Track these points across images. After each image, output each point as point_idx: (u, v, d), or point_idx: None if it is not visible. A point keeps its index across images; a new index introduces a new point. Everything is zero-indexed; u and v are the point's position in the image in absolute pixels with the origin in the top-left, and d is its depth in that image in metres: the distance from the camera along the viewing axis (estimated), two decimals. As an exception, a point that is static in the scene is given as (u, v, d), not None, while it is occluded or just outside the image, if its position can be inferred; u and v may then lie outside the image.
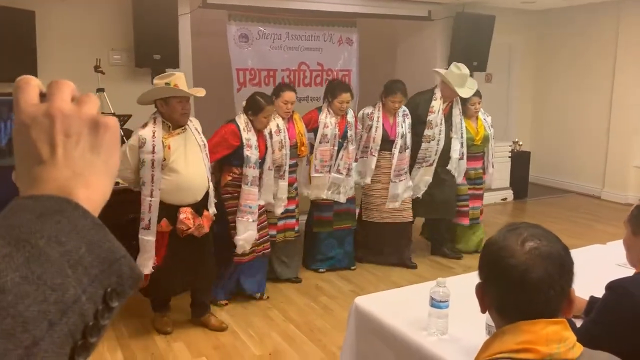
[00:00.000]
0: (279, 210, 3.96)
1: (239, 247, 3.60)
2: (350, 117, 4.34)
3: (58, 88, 0.49)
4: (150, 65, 5.13)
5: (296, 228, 4.19)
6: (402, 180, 4.45)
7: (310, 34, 6.49)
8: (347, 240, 4.49)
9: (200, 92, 3.28)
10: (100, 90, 4.63)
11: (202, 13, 5.82)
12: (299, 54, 6.43)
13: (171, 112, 3.15)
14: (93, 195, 0.46)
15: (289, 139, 3.98)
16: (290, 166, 4.05)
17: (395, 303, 2.11)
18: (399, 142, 4.39)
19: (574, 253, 2.89)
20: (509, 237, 1.12)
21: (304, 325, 3.57)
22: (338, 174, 4.28)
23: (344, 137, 4.28)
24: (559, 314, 1.11)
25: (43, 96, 0.49)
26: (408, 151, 4.46)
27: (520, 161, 7.12)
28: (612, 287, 1.54)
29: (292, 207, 4.13)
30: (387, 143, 4.40)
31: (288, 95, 3.97)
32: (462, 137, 4.64)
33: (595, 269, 2.28)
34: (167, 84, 3.13)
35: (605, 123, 7.15)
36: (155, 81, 3.24)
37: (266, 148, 3.74)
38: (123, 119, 4.25)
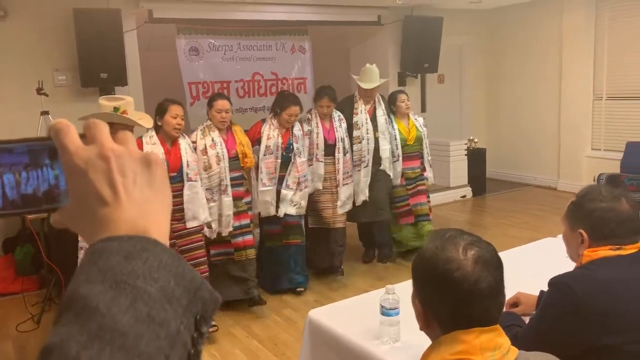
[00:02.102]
0: (226, 231, 3.77)
1: None
2: (297, 130, 4.25)
3: (99, 129, 0.50)
4: (97, 84, 5.02)
5: (254, 245, 4.04)
6: (349, 183, 4.51)
7: (262, 43, 6.47)
8: (298, 259, 4.29)
9: (147, 123, 3.17)
10: (44, 113, 4.49)
11: (151, 28, 5.72)
12: (252, 64, 6.40)
13: (114, 139, 3.06)
14: (162, 229, 0.48)
15: (228, 150, 3.82)
16: (236, 179, 3.88)
17: (348, 313, 2.09)
18: (340, 145, 4.43)
19: (526, 248, 2.91)
20: (448, 247, 1.09)
21: (267, 340, 3.52)
22: (287, 190, 4.17)
23: (287, 149, 4.18)
24: (500, 317, 1.10)
25: (82, 137, 0.49)
26: (349, 154, 4.51)
27: (476, 158, 7.24)
28: (553, 283, 1.56)
29: (246, 221, 3.97)
30: (327, 148, 4.41)
31: (221, 103, 3.81)
32: (395, 138, 4.70)
33: (546, 263, 2.31)
34: (115, 108, 3.01)
35: (556, 116, 7.34)
36: (101, 101, 3.11)
37: (181, 159, 3.50)
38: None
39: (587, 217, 1.61)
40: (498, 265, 1.08)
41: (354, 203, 4.58)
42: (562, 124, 7.28)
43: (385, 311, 1.83)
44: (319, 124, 4.41)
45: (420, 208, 4.85)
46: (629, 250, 1.55)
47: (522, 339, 1.61)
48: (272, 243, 4.27)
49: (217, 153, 3.75)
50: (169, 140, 3.54)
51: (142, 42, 5.62)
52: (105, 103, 3.06)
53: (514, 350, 1.06)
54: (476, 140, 7.39)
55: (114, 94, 5.20)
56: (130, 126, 3.10)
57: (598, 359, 1.46)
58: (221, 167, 3.74)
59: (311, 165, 4.37)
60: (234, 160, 3.88)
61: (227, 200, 3.76)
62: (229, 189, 3.79)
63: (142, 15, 5.47)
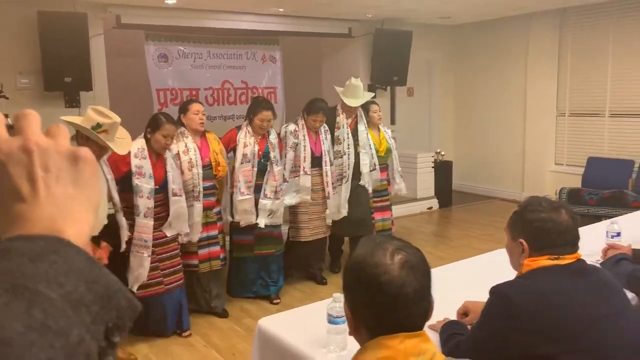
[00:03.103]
0: (196, 237, 3.73)
1: (130, 284, 3.39)
2: (272, 137, 4.20)
3: (27, 120, 0.47)
4: (61, 88, 4.95)
5: (221, 256, 3.95)
6: (336, 194, 4.52)
7: (233, 52, 6.47)
8: (271, 267, 4.25)
9: (123, 150, 3.06)
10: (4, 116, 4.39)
11: (119, 34, 5.67)
12: (221, 72, 6.39)
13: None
14: (81, 230, 0.45)
15: (202, 158, 3.79)
16: (207, 188, 3.83)
17: (297, 322, 2.08)
18: (326, 158, 4.43)
19: (480, 258, 2.94)
20: (377, 253, 1.10)
21: (225, 350, 3.48)
22: (266, 199, 4.12)
23: (264, 157, 4.12)
24: (426, 321, 1.11)
25: (10, 128, 0.47)
26: (333, 167, 4.51)
27: (443, 171, 7.34)
28: (493, 292, 1.58)
29: (214, 232, 3.91)
30: (313, 160, 4.39)
31: (197, 105, 3.83)
32: (371, 148, 4.71)
33: (499, 272, 2.35)
34: (99, 124, 2.87)
35: (521, 131, 7.50)
36: (90, 111, 2.94)
37: (166, 174, 3.51)
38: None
39: (527, 227, 1.64)
40: (425, 272, 1.09)
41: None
42: (527, 139, 7.44)
43: (332, 319, 1.83)
44: (306, 137, 4.36)
45: (382, 224, 4.88)
46: (567, 260, 1.59)
47: (463, 348, 1.63)
48: (242, 254, 4.19)
49: (190, 159, 3.71)
50: (155, 153, 3.50)
51: (110, 48, 5.56)
52: (93, 116, 2.91)
53: (440, 356, 1.07)
54: (443, 152, 7.49)
55: (79, 99, 5.15)
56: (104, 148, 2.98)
57: (535, 367, 1.49)
58: (194, 174, 3.70)
59: (297, 177, 4.31)
60: (207, 169, 3.83)
61: (199, 206, 3.73)
62: (201, 196, 3.74)
63: (109, 21, 5.42)
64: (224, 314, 3.98)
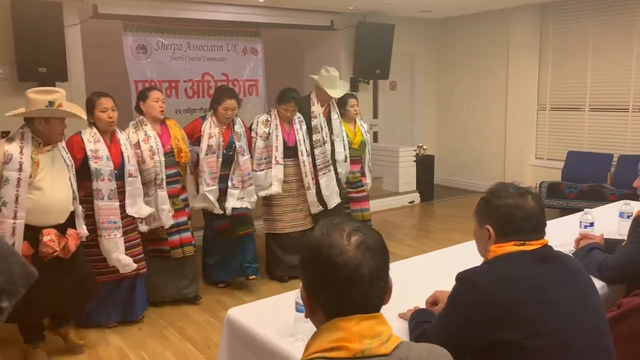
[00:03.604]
0: (168, 222, 3.71)
1: (123, 268, 3.41)
2: (238, 127, 4.17)
3: None
4: (35, 78, 4.83)
5: (193, 242, 3.96)
6: (314, 185, 4.47)
7: (213, 44, 6.39)
8: (248, 247, 4.24)
9: (82, 114, 3.11)
10: (-25, 105, 4.30)
11: (96, 24, 5.57)
12: (201, 64, 6.31)
13: (50, 132, 2.96)
14: None
15: (163, 145, 3.74)
16: (171, 176, 3.79)
17: (266, 312, 2.05)
18: (302, 148, 4.39)
19: (456, 247, 2.93)
20: (333, 233, 1.08)
21: (200, 342, 3.43)
22: (233, 189, 4.11)
23: (228, 147, 4.10)
24: (383, 304, 1.09)
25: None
26: (310, 157, 4.46)
27: (425, 165, 7.35)
28: (458, 278, 1.57)
29: (183, 219, 3.89)
30: (287, 150, 4.36)
31: (157, 93, 3.80)
32: (343, 140, 4.70)
33: (474, 262, 2.34)
34: (51, 102, 2.88)
35: (502, 125, 7.53)
36: (31, 95, 2.94)
37: (122, 156, 3.48)
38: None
39: (493, 213, 1.63)
40: (382, 253, 1.07)
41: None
42: (508, 133, 7.47)
43: (299, 308, 1.80)
44: (279, 127, 4.32)
45: (362, 214, 4.87)
46: (532, 246, 1.57)
47: (430, 335, 1.61)
48: (226, 236, 4.20)
49: (152, 147, 3.67)
50: (107, 136, 3.47)
51: (87, 38, 5.46)
52: (37, 97, 2.91)
53: (395, 339, 1.05)
54: (425, 147, 7.50)
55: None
56: (63, 119, 3.00)
57: (501, 353, 1.47)
58: (156, 162, 3.66)
59: (270, 168, 4.27)
60: (169, 156, 3.80)
61: (162, 194, 3.70)
62: (164, 184, 3.72)
63: (86, 10, 5.33)
64: (195, 300, 3.99)
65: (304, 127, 4.47)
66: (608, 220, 2.96)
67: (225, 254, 4.28)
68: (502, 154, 7.56)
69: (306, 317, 1.12)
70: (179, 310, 3.90)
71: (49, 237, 2.91)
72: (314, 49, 7.45)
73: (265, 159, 4.31)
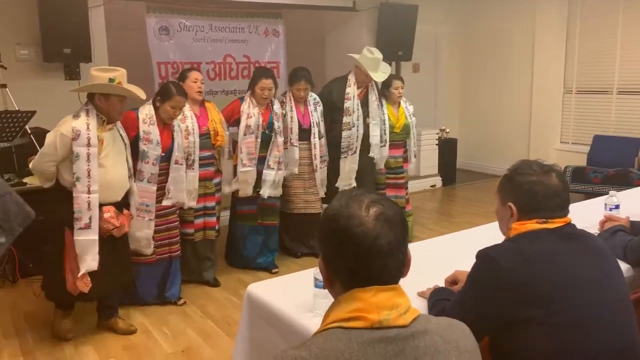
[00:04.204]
0: (191, 203, 3.72)
1: (139, 248, 3.43)
2: (276, 107, 4.17)
3: None
4: (60, 59, 4.90)
5: (216, 227, 3.97)
6: (324, 167, 4.46)
7: (235, 25, 6.38)
8: (271, 239, 4.28)
9: (141, 94, 3.15)
10: (2, 86, 4.39)
11: (120, 5, 5.61)
12: (223, 46, 6.31)
13: (109, 109, 3.01)
14: None
15: (200, 126, 3.75)
16: (205, 158, 3.80)
17: (285, 288, 2.07)
18: (315, 130, 4.34)
19: (479, 229, 2.89)
20: (352, 205, 1.07)
21: (221, 320, 3.48)
22: (269, 170, 4.10)
23: (268, 128, 4.09)
24: (401, 276, 1.09)
25: None
26: (324, 139, 4.42)
27: (447, 148, 7.27)
28: (478, 255, 1.55)
29: (211, 204, 3.90)
30: (301, 133, 4.31)
31: (195, 74, 3.80)
32: (384, 123, 4.57)
33: (496, 242, 2.32)
34: (111, 79, 2.97)
35: (527, 108, 7.40)
36: (94, 72, 3.02)
37: (172, 142, 3.52)
38: (26, 115, 4.02)
39: (516, 191, 1.61)
40: (401, 224, 1.06)
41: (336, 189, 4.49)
42: (533, 117, 7.34)
43: (318, 284, 1.81)
44: (294, 108, 4.29)
45: (396, 201, 4.78)
46: (556, 224, 1.55)
47: (448, 312, 1.60)
48: (245, 222, 4.20)
49: (187, 127, 3.66)
50: (162, 121, 3.50)
51: (111, 19, 5.50)
52: (100, 74, 2.99)
53: (414, 311, 1.05)
54: (447, 130, 7.41)
55: (79, 71, 5.11)
56: (124, 97, 3.05)
57: (521, 331, 1.46)
58: (190, 142, 3.66)
59: (286, 149, 4.25)
60: (205, 138, 3.79)
61: (193, 175, 3.69)
62: (196, 165, 3.71)
63: (110, -8, 5.35)
64: (215, 283, 4.02)
65: (320, 109, 4.41)
66: (634, 204, 2.90)
67: (250, 240, 4.25)
68: (527, 138, 7.44)
69: (324, 288, 1.12)
70: (200, 289, 3.95)
71: (109, 213, 2.98)
72: (335, 31, 7.38)
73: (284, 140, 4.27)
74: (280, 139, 4.13)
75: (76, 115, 2.98)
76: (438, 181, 7.23)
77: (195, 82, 3.75)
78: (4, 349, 3.15)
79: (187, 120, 3.68)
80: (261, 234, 4.26)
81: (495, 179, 7.52)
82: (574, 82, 6.95)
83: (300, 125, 4.30)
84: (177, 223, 3.68)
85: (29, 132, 4.35)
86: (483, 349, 1.41)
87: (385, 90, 4.66)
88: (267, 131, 4.08)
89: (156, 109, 3.46)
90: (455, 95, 8.28)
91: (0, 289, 3.97)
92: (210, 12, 6.17)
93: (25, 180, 4.13)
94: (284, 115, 4.26)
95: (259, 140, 4.05)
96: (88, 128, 2.92)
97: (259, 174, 4.10)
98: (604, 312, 1.44)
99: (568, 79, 7.01)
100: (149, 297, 3.64)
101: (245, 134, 3.99)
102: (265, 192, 4.10)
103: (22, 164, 4.38)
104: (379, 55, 4.39)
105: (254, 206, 4.18)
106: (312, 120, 4.34)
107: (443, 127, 7.42)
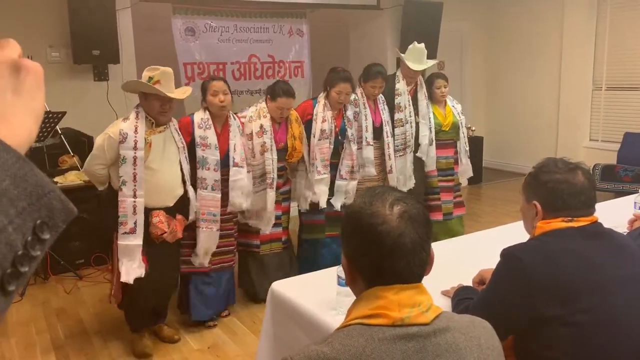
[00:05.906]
0: (267, 229, 3.50)
1: (195, 259, 3.24)
2: (349, 113, 3.89)
3: None
4: (89, 61, 5.02)
5: (283, 238, 3.71)
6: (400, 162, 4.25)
7: (259, 25, 6.43)
8: (334, 250, 3.87)
9: (180, 94, 2.99)
10: (34, 87, 4.50)
11: (147, 7, 5.71)
12: (248, 46, 6.37)
13: (149, 109, 2.94)
14: (15, 133, 0.46)
15: (277, 141, 3.50)
16: (278, 170, 3.55)
17: (309, 286, 2.08)
18: (387, 129, 4.11)
19: (504, 228, 2.87)
20: (375, 203, 1.08)
21: (246, 317, 3.52)
22: (341, 180, 3.84)
23: (341, 134, 3.83)
24: (424, 275, 1.09)
25: None
26: (393, 138, 4.19)
27: (473, 147, 7.15)
28: (503, 254, 1.54)
29: (278, 213, 3.62)
30: (374, 131, 4.08)
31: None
32: (430, 122, 4.37)
33: (522, 241, 2.29)
34: (150, 77, 2.88)
35: (555, 105, 7.27)
36: (144, 72, 2.96)
37: (228, 145, 3.30)
38: (56, 116, 4.13)
39: (541, 189, 1.59)
40: (424, 223, 1.06)
41: None
42: (561, 114, 7.20)
43: (341, 282, 1.82)
44: (367, 105, 4.03)
45: (445, 206, 4.48)
46: (581, 222, 1.53)
47: (472, 311, 1.60)
48: (312, 235, 3.91)
49: (264, 142, 3.43)
50: (219, 123, 3.31)
51: (138, 21, 5.60)
52: (144, 73, 2.94)
53: (436, 309, 1.05)
54: (473, 128, 7.33)
55: (107, 72, 5.23)
56: (167, 98, 2.93)
57: (544, 329, 1.45)
58: (267, 159, 3.44)
59: (360, 149, 3.98)
60: (281, 152, 3.59)
61: (272, 194, 3.47)
62: (275, 183, 3.49)
63: (137, -6, 5.45)
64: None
65: (387, 107, 4.18)
66: (666, 202, 2.82)
67: (322, 257, 3.89)
68: (554, 136, 7.31)
69: (346, 284, 1.13)
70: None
71: (157, 218, 2.89)
72: (359, 29, 7.37)
73: (358, 140, 4.00)
74: (353, 147, 3.87)
75: (126, 118, 2.94)
76: (464, 180, 7.14)
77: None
78: (37, 344, 3.25)
79: (265, 135, 3.44)
80: (327, 245, 3.89)
81: (522, 177, 7.40)
82: (603, 78, 6.79)
83: (373, 124, 4.07)
84: (233, 231, 3.47)
85: (60, 132, 4.47)
86: (507, 349, 1.41)
87: (428, 90, 4.45)
88: (339, 137, 3.84)
89: (206, 109, 3.31)
90: (480, 92, 8.18)
91: (33, 285, 4.09)
92: (235, 13, 6.23)
93: (56, 179, 4.24)
94: (357, 114, 3.99)
95: (332, 146, 3.80)
96: (136, 131, 2.86)
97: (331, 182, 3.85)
98: (632, 312, 1.41)
99: (597, 75, 6.86)
100: (202, 311, 3.35)
101: (320, 139, 3.71)
102: (338, 203, 3.85)
103: (53, 164, 4.51)
104: (421, 47, 4.28)
105: (322, 216, 3.86)
106: (383, 118, 4.12)
107: (469, 125, 7.32)
